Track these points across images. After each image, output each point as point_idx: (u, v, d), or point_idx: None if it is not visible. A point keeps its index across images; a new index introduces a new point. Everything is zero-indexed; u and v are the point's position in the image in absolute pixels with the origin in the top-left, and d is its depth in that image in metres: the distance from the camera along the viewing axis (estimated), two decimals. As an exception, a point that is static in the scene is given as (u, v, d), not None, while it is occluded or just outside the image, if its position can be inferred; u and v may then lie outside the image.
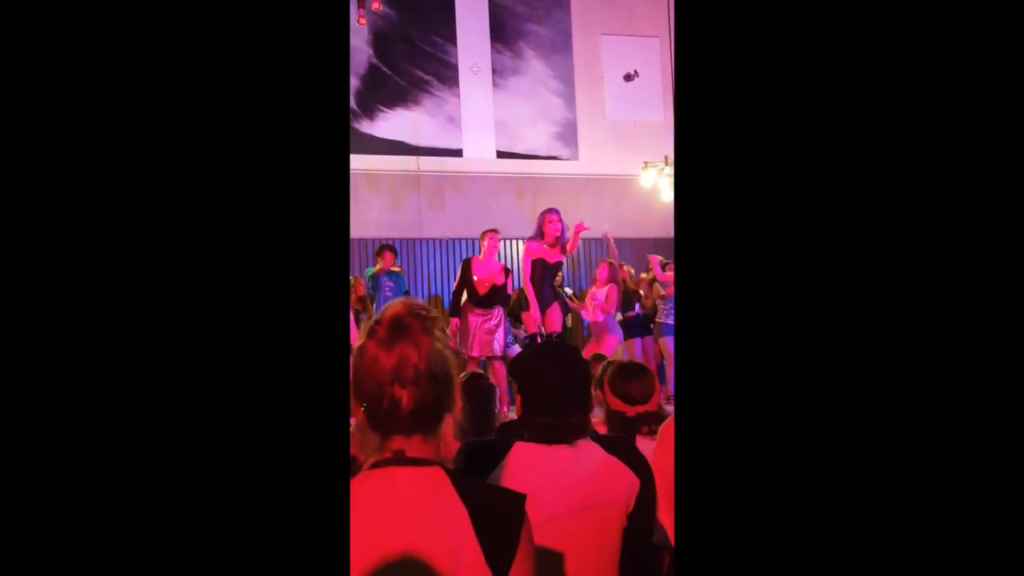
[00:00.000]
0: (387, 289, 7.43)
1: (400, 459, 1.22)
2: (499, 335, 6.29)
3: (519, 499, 1.21)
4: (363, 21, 8.52)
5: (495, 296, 6.30)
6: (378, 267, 7.72)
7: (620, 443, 1.80)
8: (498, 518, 1.18)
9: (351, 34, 8.47)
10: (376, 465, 1.22)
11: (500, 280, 6.29)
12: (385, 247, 7.81)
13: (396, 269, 7.97)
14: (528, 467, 1.67)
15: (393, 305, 1.26)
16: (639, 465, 1.74)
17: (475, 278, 6.29)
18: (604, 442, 1.77)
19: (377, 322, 1.24)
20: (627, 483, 1.71)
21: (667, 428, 2.12)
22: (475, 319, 6.23)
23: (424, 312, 1.25)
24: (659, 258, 7.63)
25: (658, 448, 2.05)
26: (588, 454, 1.72)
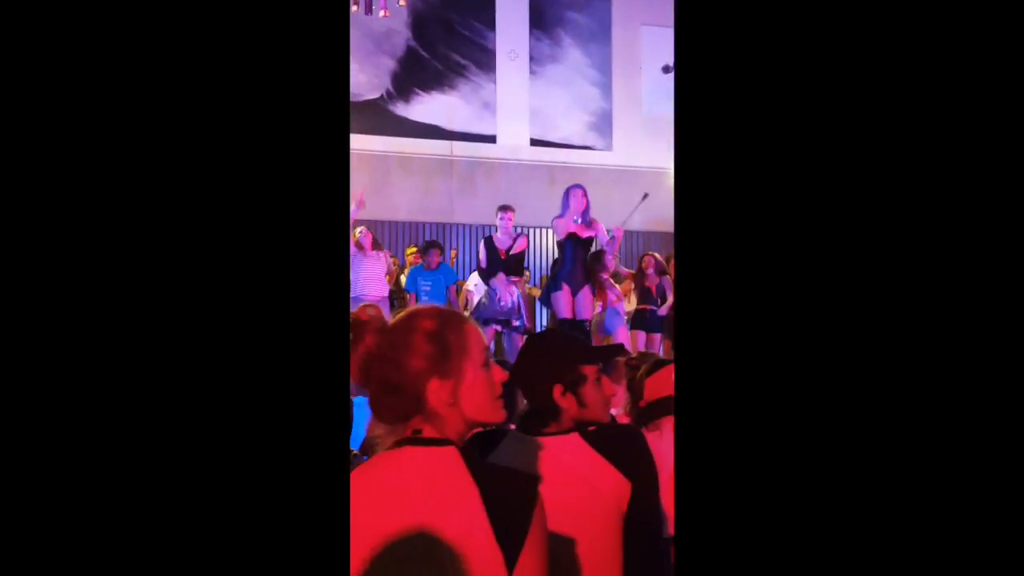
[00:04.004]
0: (423, 293, 7.08)
1: (417, 438, 1.24)
2: (509, 302, 6.43)
3: (532, 481, 1.21)
4: (403, 2, 8.49)
5: (512, 265, 6.56)
6: (412, 262, 7.52)
7: (612, 441, 1.71)
8: (510, 499, 1.19)
9: (390, 16, 8.47)
10: (394, 445, 1.25)
11: (518, 247, 6.60)
12: (432, 244, 7.50)
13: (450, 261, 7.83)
14: (517, 457, 1.64)
15: (356, 310, 1.30)
16: (632, 465, 1.66)
17: (498, 248, 6.60)
18: (593, 439, 1.69)
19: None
20: (615, 486, 1.64)
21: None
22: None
23: (368, 323, 1.27)
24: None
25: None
26: (573, 451, 1.66)
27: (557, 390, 1.72)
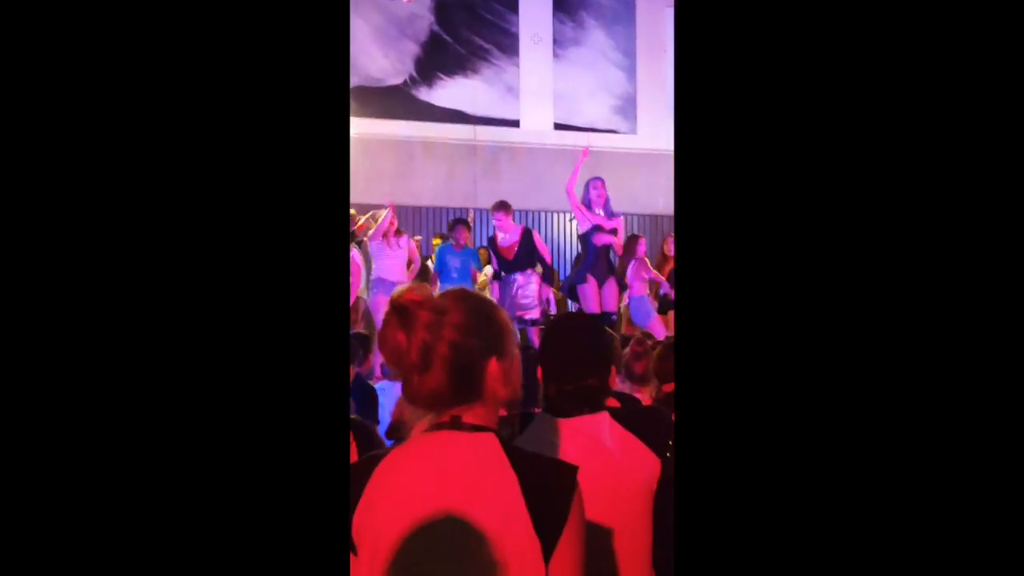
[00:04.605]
0: (453, 271, 6.87)
1: (456, 424, 1.23)
2: (532, 297, 6.38)
3: (571, 470, 1.21)
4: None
5: (523, 260, 6.47)
6: (441, 241, 7.47)
7: (641, 419, 1.73)
8: (548, 488, 1.18)
9: (413, 1, 8.44)
10: (431, 428, 1.24)
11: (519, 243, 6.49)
12: (459, 221, 7.25)
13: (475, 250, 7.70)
14: (547, 439, 1.64)
15: (400, 291, 1.25)
16: (662, 443, 1.67)
17: (501, 247, 6.52)
18: (623, 417, 1.70)
19: (388, 307, 1.25)
20: (646, 462, 1.66)
21: None
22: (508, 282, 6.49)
23: (423, 302, 1.23)
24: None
25: None
26: (603, 429, 1.67)
27: (613, 372, 1.78)
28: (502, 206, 6.56)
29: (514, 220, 6.70)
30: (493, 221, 6.59)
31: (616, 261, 6.54)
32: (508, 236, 6.54)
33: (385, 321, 1.24)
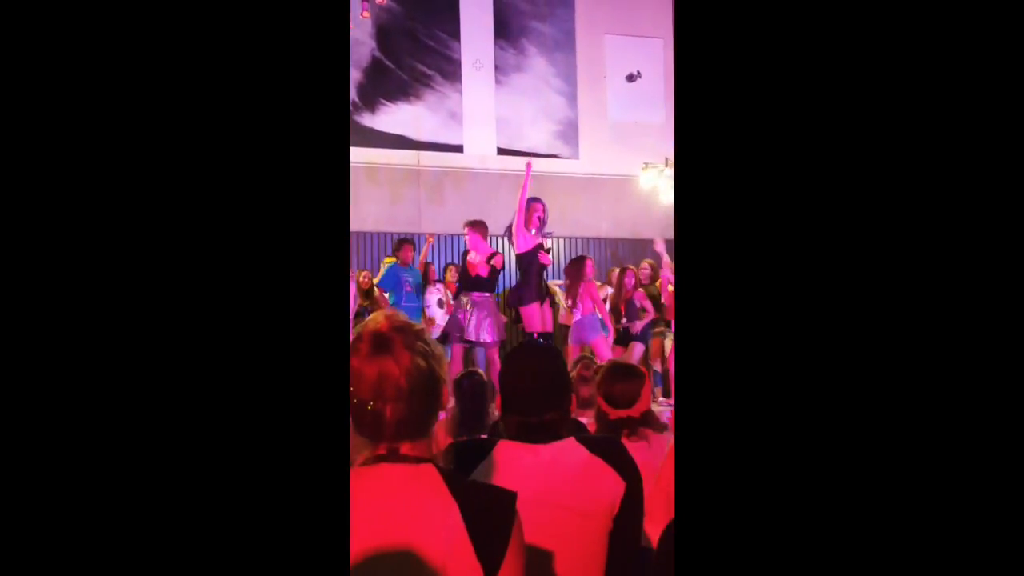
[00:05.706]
0: (407, 284, 7.13)
1: (393, 456, 1.23)
2: (489, 321, 6.36)
3: (510, 496, 1.22)
4: (366, 15, 8.50)
5: (486, 281, 6.46)
6: (393, 260, 7.57)
7: (607, 444, 1.77)
8: (489, 515, 1.20)
9: (354, 27, 8.46)
10: (368, 462, 1.24)
11: (486, 267, 6.49)
12: (404, 241, 7.53)
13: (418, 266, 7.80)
14: (510, 465, 1.67)
15: (375, 319, 1.25)
16: (625, 467, 1.71)
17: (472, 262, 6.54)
18: (589, 443, 1.74)
19: (358, 337, 1.24)
20: (611, 485, 1.69)
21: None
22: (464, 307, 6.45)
23: (407, 326, 1.24)
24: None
25: (667, 460, 2.05)
26: (570, 454, 1.71)
27: (574, 402, 1.81)
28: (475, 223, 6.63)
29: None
30: (470, 235, 6.58)
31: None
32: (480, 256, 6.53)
33: (354, 351, 1.22)
